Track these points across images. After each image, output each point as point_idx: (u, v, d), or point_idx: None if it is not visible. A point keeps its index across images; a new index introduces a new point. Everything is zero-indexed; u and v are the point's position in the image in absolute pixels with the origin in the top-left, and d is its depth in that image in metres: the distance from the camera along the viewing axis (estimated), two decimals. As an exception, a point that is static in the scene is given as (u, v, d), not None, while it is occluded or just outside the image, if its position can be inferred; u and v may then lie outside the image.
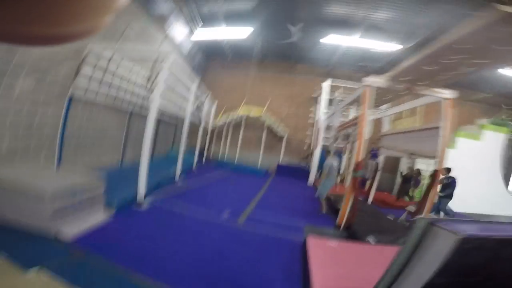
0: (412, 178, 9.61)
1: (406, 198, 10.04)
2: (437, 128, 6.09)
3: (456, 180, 6.63)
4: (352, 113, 11.00)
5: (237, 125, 14.51)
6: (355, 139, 6.70)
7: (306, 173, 12.37)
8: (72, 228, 3.29)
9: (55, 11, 0.24)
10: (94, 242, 3.28)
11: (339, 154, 7.55)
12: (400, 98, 8.58)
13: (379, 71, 12.02)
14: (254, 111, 13.53)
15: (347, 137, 7.45)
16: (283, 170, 13.06)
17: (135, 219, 4.42)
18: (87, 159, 6.26)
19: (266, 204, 6.85)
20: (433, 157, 6.23)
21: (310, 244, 3.76)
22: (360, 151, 5.82)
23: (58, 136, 5.26)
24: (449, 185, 6.56)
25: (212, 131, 14.06)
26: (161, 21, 8.58)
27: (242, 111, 13.63)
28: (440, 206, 6.66)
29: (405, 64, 5.01)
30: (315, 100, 14.17)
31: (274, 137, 14.17)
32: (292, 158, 13.98)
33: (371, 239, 4.63)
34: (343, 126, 8.06)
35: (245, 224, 5.09)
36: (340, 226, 5.39)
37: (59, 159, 5.32)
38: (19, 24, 0.23)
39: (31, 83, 4.51)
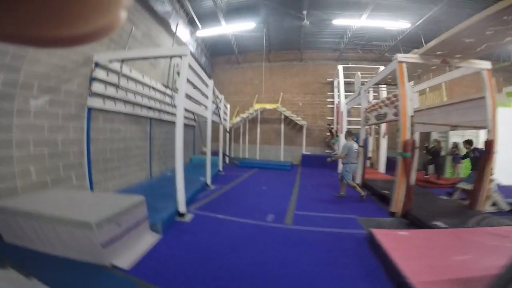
0: (438, 152, 9.13)
1: (448, 175, 9.60)
2: (481, 98, 5.81)
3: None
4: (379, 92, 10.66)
5: (253, 121, 14.12)
6: (393, 117, 6.25)
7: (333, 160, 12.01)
8: (125, 257, 2.96)
9: (65, 11, 0.22)
10: (152, 268, 2.96)
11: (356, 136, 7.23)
12: (426, 74, 8.33)
13: (391, 50, 11.74)
14: (268, 107, 13.15)
15: (382, 116, 6.94)
16: (308, 161, 12.60)
17: (184, 234, 4.06)
18: (116, 174, 5.97)
19: (305, 199, 6.48)
20: (482, 127, 5.95)
21: (380, 237, 3.49)
22: (405, 130, 5.47)
23: (85, 153, 4.98)
24: (478, 159, 5.96)
25: (230, 130, 13.73)
26: (165, 20, 8.20)
27: (256, 106, 13.23)
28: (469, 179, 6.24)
29: (443, 37, 4.81)
30: (331, 85, 13.72)
31: (293, 128, 13.70)
32: (315, 147, 13.50)
33: (439, 223, 4.25)
34: (373, 107, 7.57)
35: (294, 223, 4.72)
36: (395, 214, 5.07)
37: (90, 178, 5.07)
38: (29, 25, 0.22)
39: (46, 97, 4.20)
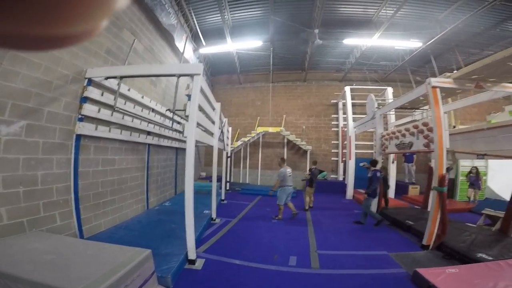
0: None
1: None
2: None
3: None
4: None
5: (254, 144, 13.38)
6: (423, 148, 5.65)
7: (339, 185, 11.50)
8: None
9: (53, 10, 0.21)
10: None
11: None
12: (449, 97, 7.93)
13: (398, 70, 11.47)
14: (271, 130, 12.48)
15: (406, 146, 6.33)
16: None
17: (198, 286, 3.32)
18: (109, 209, 5.04)
19: (324, 233, 5.85)
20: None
21: (431, 278, 3.22)
22: (442, 164, 4.89)
23: (72, 189, 4.09)
24: (374, 180, 6.44)
25: (230, 154, 12.93)
26: (169, 34, 7.64)
27: (258, 130, 12.55)
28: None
29: (488, 60, 4.50)
30: (335, 107, 13.25)
31: (297, 153, 13.00)
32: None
33: (483, 255, 4.03)
34: (393, 134, 6.96)
35: (322, 267, 4.07)
36: (428, 246, 4.87)
37: (78, 216, 4.15)
38: (11, 24, 0.21)
39: (22, 123, 3.33)
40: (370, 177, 6.49)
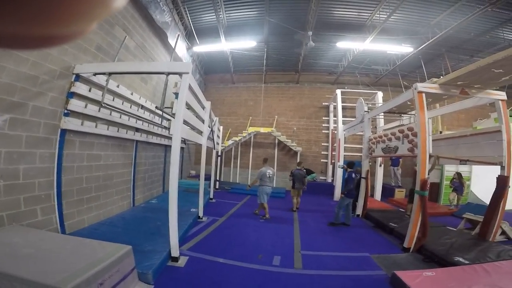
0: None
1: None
2: (496, 131, 5.58)
3: None
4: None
5: (245, 144, 13.41)
6: (407, 152, 5.78)
7: (327, 187, 11.64)
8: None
9: (46, 11, 0.21)
10: None
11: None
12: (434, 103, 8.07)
13: (389, 74, 11.65)
14: (263, 130, 12.51)
15: (391, 150, 6.47)
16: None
17: (179, 283, 3.33)
18: (93, 205, 5.00)
19: (308, 233, 5.93)
20: (495, 163, 5.55)
21: (408, 281, 3.30)
22: (424, 168, 5.01)
23: (55, 184, 4.06)
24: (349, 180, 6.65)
25: (221, 153, 12.93)
26: (162, 32, 7.61)
27: (250, 130, 12.57)
28: None
29: (473, 66, 4.58)
30: (326, 109, 13.37)
31: (287, 153, 13.08)
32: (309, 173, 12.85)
33: (460, 259, 4.15)
34: (380, 138, 7.08)
35: (304, 267, 4.12)
36: (409, 249, 4.97)
37: (60, 211, 4.12)
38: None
39: (5, 116, 3.29)
40: (346, 178, 6.71)
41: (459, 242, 4.97)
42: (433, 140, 7.62)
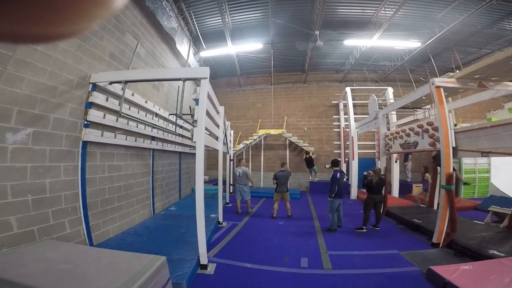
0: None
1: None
2: None
3: None
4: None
5: (256, 147, 13.34)
6: (428, 147, 5.66)
7: (343, 186, 11.34)
8: None
9: (48, 11, 0.21)
10: None
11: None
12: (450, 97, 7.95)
13: (397, 69, 11.50)
14: (273, 132, 12.42)
15: (411, 145, 6.34)
16: (317, 188, 11.68)
17: None
18: (117, 215, 4.98)
19: (332, 235, 5.82)
20: None
21: (447, 275, 3.23)
22: (448, 162, 4.89)
23: (80, 196, 4.05)
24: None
25: (233, 157, 12.88)
26: (170, 37, 7.65)
27: (260, 132, 12.48)
28: None
29: (492, 60, 4.59)
30: (336, 108, 13.25)
31: (299, 154, 12.95)
32: (322, 173, 12.57)
33: (495, 251, 4.06)
34: (397, 133, 6.97)
35: (334, 267, 4.06)
36: (439, 244, 4.89)
37: (86, 223, 4.11)
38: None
39: (28, 130, 3.28)
40: (331, 178, 6.08)
41: (489, 236, 4.86)
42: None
